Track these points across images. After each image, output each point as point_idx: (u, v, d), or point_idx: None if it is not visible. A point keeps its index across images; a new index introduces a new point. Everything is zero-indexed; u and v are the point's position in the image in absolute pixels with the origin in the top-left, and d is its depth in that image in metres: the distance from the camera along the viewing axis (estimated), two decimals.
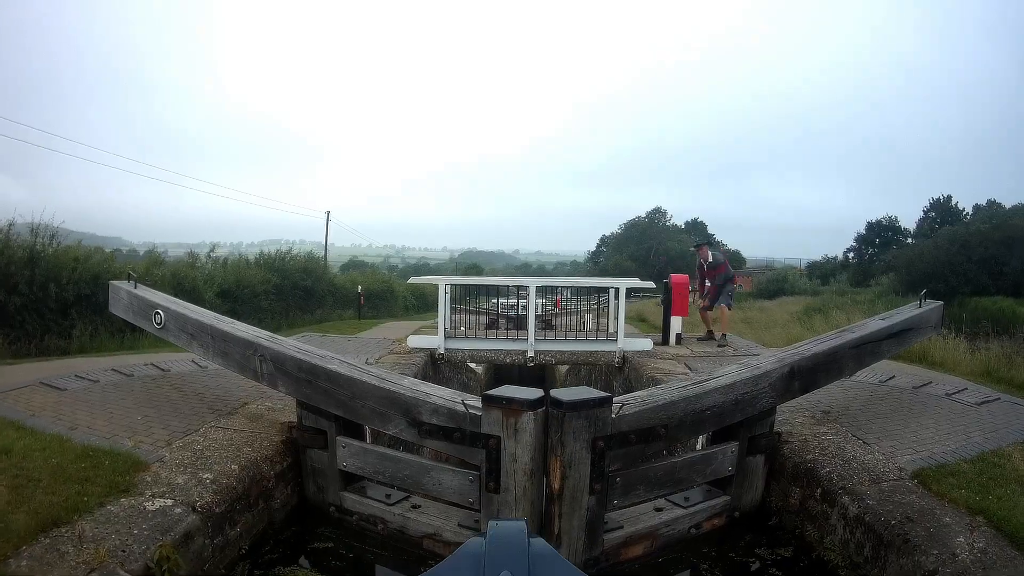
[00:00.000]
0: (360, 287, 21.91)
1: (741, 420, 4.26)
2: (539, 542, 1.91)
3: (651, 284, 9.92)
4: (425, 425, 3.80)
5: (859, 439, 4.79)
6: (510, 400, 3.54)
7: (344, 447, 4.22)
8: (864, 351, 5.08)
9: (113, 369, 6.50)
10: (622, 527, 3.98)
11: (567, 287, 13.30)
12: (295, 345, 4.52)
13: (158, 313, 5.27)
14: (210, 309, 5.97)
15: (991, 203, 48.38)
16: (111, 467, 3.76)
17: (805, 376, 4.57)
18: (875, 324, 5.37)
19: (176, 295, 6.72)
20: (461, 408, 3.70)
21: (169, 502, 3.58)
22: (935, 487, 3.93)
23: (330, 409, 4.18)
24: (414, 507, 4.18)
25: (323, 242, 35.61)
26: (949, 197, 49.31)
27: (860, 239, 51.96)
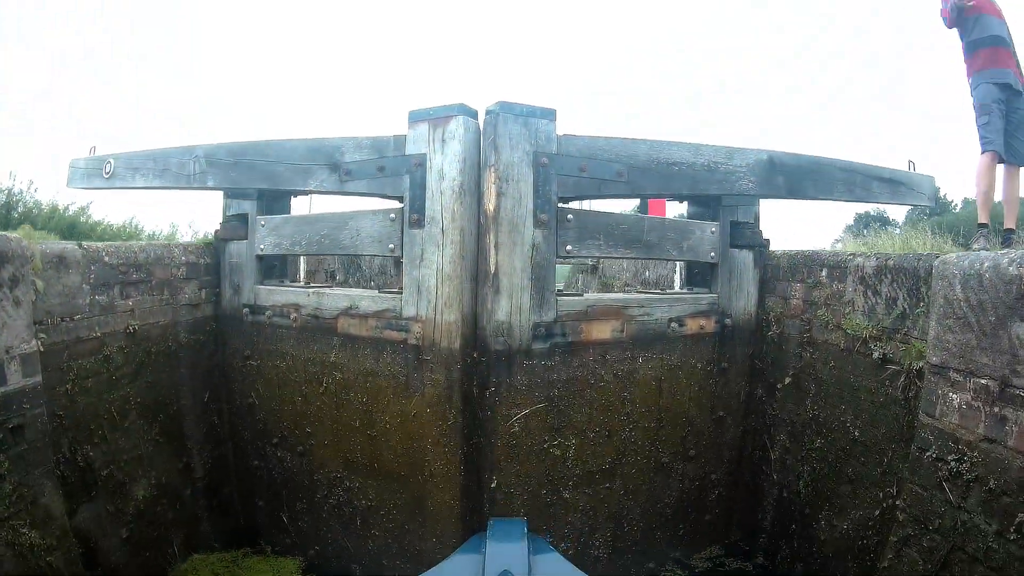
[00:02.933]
0: None
1: (719, 196, 3.42)
2: (539, 541, 1.87)
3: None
4: (346, 166, 3.07)
5: None
6: (438, 109, 2.83)
7: (263, 224, 3.45)
8: (854, 180, 4.26)
9: None
10: (582, 294, 3.01)
11: None
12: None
13: (108, 163, 4.81)
14: None
15: None
16: None
17: (789, 173, 3.76)
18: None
19: None
20: (386, 136, 2.98)
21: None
22: None
23: (254, 184, 3.50)
24: (331, 288, 3.29)
25: None
26: (938, 188, 47.42)
27: (848, 230, 50.00)
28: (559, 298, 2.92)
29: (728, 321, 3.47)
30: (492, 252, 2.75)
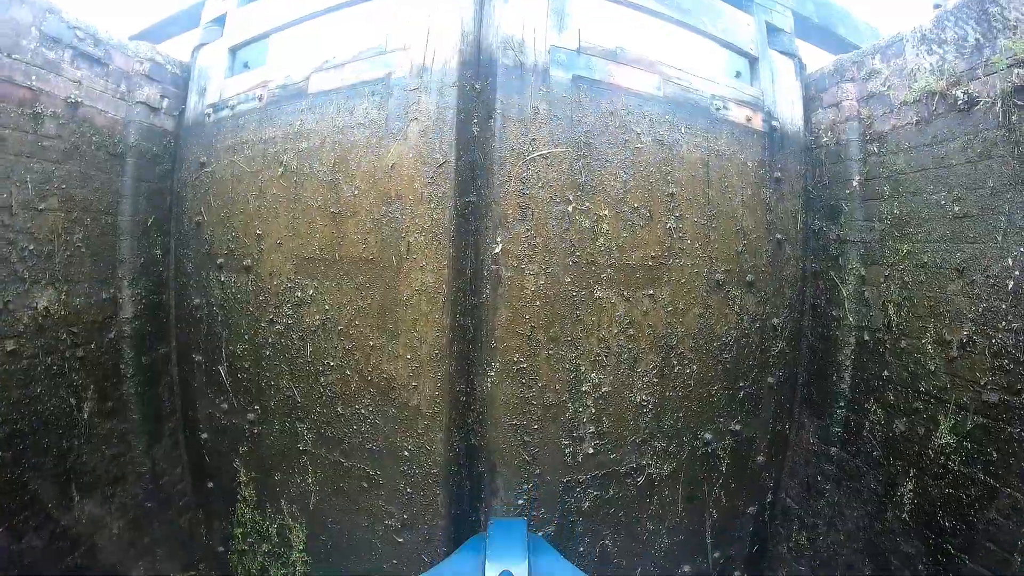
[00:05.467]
0: None
1: None
2: (539, 541, 1.76)
3: None
4: None
5: None
6: None
7: (239, 14, 2.88)
8: None
9: None
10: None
11: None
12: None
13: None
14: None
15: None
16: None
17: (820, 4, 3.33)
18: None
19: None
20: None
21: None
22: None
23: None
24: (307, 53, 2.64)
25: None
26: None
27: None
28: (582, 30, 2.29)
29: (776, 124, 2.79)
30: None
